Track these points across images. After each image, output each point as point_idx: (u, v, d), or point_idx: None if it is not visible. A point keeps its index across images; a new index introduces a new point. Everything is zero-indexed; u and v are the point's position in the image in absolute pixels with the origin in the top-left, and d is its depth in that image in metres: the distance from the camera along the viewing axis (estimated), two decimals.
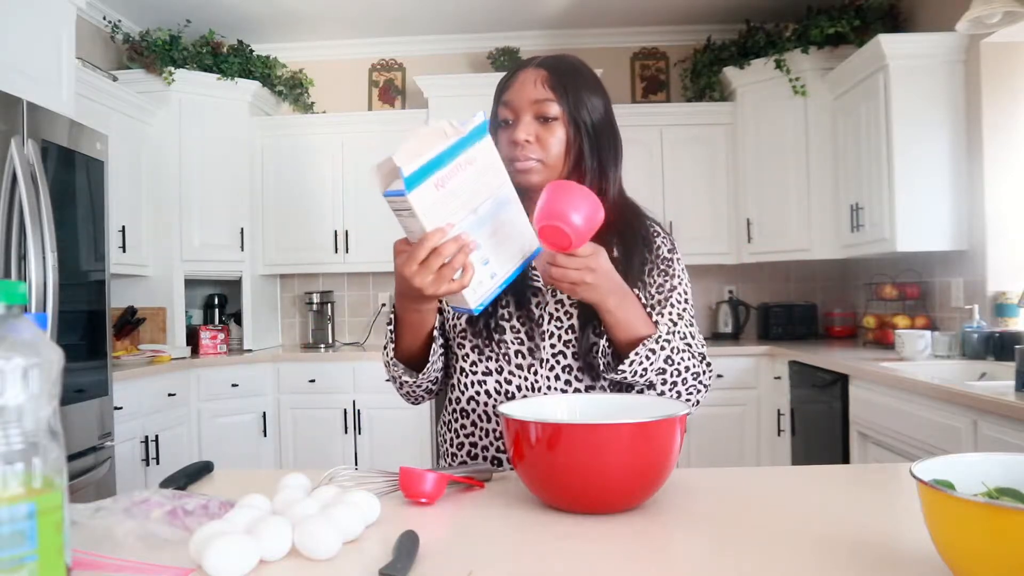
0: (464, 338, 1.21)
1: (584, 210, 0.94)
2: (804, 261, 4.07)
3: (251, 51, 4.23)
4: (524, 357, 1.17)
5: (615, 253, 1.17)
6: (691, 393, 1.14)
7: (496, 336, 1.18)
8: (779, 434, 3.68)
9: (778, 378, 3.71)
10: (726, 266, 4.29)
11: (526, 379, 1.17)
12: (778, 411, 3.69)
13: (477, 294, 0.99)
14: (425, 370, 1.16)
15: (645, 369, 1.07)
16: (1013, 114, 3.00)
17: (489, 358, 1.19)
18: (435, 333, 1.15)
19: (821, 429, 3.25)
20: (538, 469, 0.87)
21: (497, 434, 1.19)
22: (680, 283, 1.20)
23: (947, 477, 0.65)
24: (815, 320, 4.21)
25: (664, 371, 1.09)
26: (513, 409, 0.93)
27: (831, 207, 3.80)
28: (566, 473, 0.84)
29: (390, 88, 4.55)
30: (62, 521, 0.57)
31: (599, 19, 4.28)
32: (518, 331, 1.18)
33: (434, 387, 1.25)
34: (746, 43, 4.07)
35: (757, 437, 3.79)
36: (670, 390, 1.11)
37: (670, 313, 1.16)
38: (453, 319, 1.23)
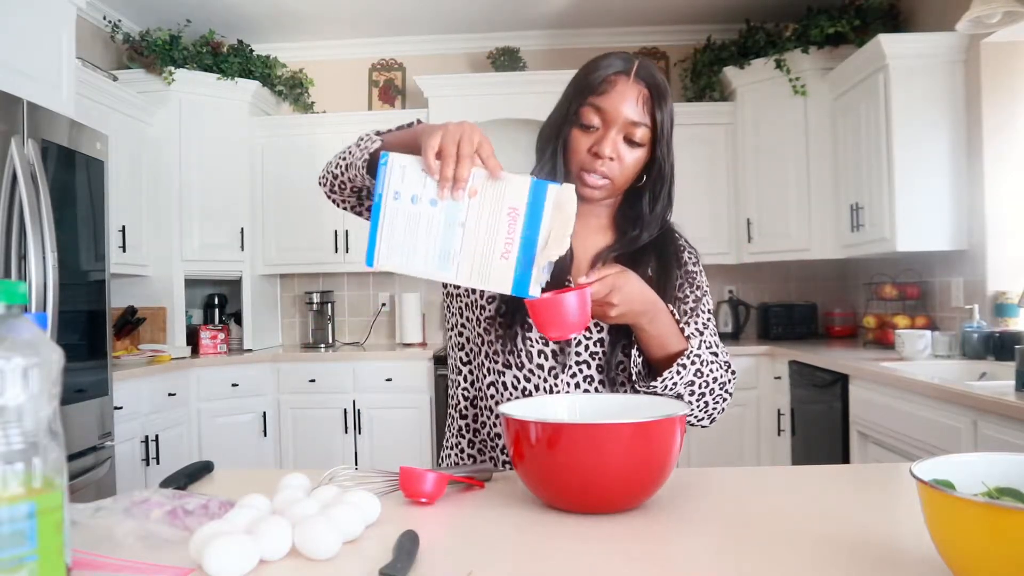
0: (491, 325, 1.19)
1: (572, 320, 0.95)
2: (804, 261, 4.07)
3: (251, 51, 4.23)
4: (547, 359, 1.16)
5: (649, 272, 1.18)
6: (717, 403, 1.15)
7: (519, 335, 1.16)
8: (779, 434, 3.68)
9: (778, 378, 3.71)
10: (726, 266, 4.29)
11: (545, 380, 1.16)
12: (778, 411, 3.69)
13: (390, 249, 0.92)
14: None
15: (675, 383, 1.08)
16: (1013, 114, 3.00)
17: (511, 352, 1.18)
18: None
19: (821, 429, 3.25)
20: (538, 469, 0.87)
21: None
22: (704, 295, 1.22)
23: (947, 477, 0.65)
24: (815, 320, 4.21)
25: (693, 383, 1.09)
26: (513, 409, 0.93)
27: (831, 207, 3.80)
28: (566, 473, 0.84)
29: (390, 88, 4.55)
30: (62, 521, 0.57)
31: (599, 19, 4.28)
32: None
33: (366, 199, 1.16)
34: (746, 43, 4.06)
35: (757, 437, 3.80)
36: (698, 400, 1.12)
37: (695, 323, 1.17)
38: (482, 299, 1.20)
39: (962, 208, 3.14)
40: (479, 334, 1.21)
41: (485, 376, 1.20)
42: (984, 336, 2.85)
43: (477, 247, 0.92)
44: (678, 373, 1.07)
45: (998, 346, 2.77)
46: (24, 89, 2.38)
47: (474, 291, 1.21)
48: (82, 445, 2.53)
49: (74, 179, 2.57)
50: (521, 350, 1.17)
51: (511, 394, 1.18)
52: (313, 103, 4.50)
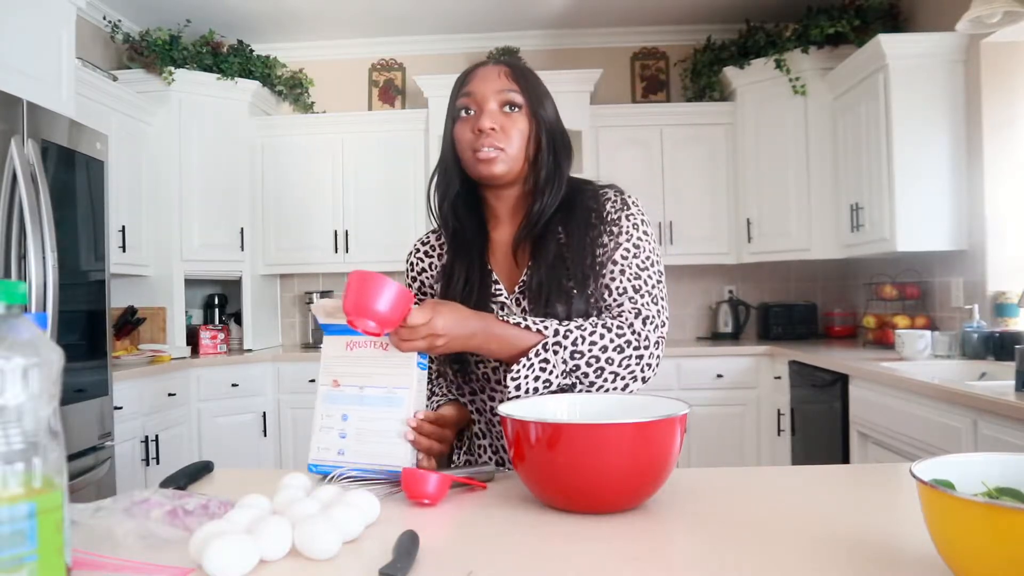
0: (444, 359, 1.23)
1: (385, 299, 0.93)
2: (804, 261, 4.07)
3: (251, 51, 4.23)
4: (500, 373, 1.16)
5: (561, 239, 1.15)
6: (629, 365, 1.07)
7: (469, 362, 1.18)
8: (779, 434, 3.68)
9: (778, 378, 3.71)
10: (726, 266, 4.29)
11: (501, 393, 1.18)
12: (778, 411, 3.68)
13: (319, 453, 1.03)
14: None
15: (538, 377, 1.04)
16: (1013, 114, 3.00)
17: (469, 381, 1.21)
18: None
19: (821, 429, 3.25)
20: (538, 469, 0.87)
21: (498, 439, 1.21)
22: (628, 239, 1.14)
23: (947, 477, 0.65)
24: (815, 320, 4.21)
25: (578, 367, 1.05)
26: (513, 409, 0.93)
27: (831, 207, 3.80)
28: (566, 473, 0.84)
29: (390, 88, 4.55)
30: (62, 521, 0.57)
31: (599, 19, 4.28)
32: None
33: None
34: (746, 43, 4.06)
35: (757, 437, 3.79)
36: (597, 377, 1.06)
37: (611, 273, 1.12)
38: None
39: (962, 208, 3.14)
40: (443, 369, 1.26)
41: (462, 399, 1.25)
42: (984, 336, 2.85)
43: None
44: (540, 367, 1.03)
45: (998, 346, 2.77)
46: (24, 89, 2.38)
47: None
48: (82, 445, 2.53)
49: (74, 179, 2.57)
50: (477, 373, 1.18)
51: (486, 416, 1.21)
52: (313, 103, 4.49)
